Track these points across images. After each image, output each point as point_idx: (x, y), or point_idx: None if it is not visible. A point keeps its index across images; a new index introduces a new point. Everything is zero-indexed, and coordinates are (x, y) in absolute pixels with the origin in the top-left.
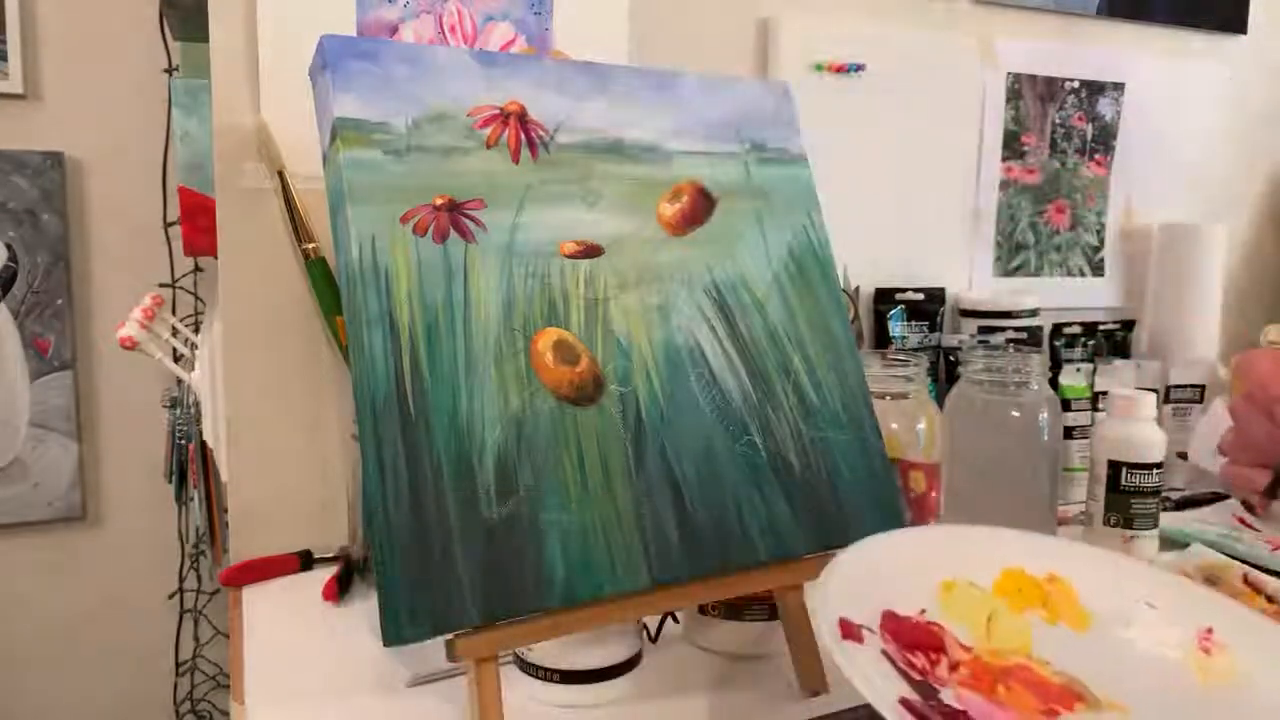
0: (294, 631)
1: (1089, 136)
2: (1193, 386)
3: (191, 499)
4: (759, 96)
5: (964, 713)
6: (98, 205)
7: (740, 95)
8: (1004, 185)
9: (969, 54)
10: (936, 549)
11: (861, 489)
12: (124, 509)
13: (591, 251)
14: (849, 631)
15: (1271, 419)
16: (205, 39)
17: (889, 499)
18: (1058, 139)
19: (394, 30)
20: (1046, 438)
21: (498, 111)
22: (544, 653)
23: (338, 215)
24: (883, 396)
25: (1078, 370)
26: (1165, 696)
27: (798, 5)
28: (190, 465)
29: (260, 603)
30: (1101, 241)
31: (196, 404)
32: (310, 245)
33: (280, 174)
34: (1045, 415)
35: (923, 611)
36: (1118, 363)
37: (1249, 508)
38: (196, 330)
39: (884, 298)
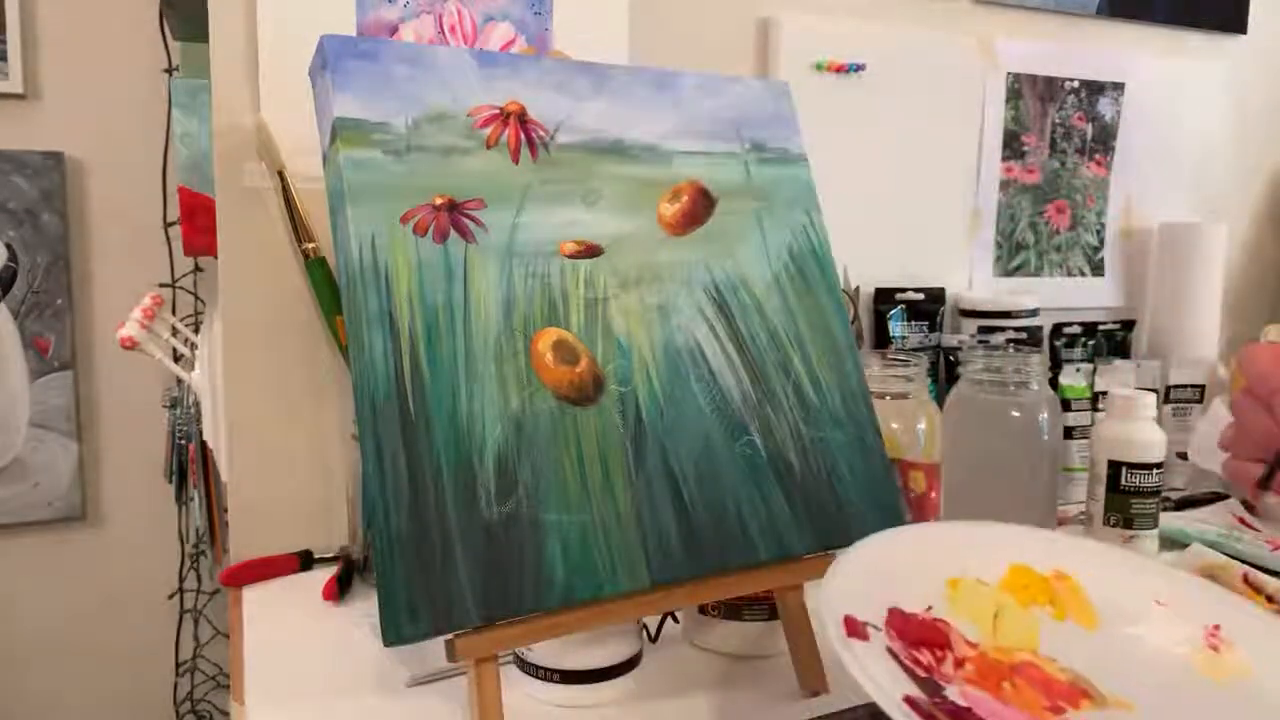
0: (294, 631)
1: (1089, 136)
2: (1193, 386)
3: (191, 499)
4: (759, 96)
5: (969, 709)
6: (98, 205)
7: (740, 95)
8: (1004, 185)
9: (969, 54)
10: (943, 546)
11: (861, 489)
12: (124, 509)
13: (591, 251)
14: (854, 629)
15: (1270, 412)
16: (205, 39)
17: (889, 499)
18: (1058, 139)
19: (394, 30)
20: (1046, 438)
21: (498, 111)
22: (544, 653)
23: (338, 215)
24: (883, 396)
25: (1078, 370)
26: (1173, 694)
27: (798, 5)
28: (190, 465)
29: (260, 603)
30: (1101, 241)
31: (196, 404)
32: (310, 245)
33: (280, 174)
34: (1045, 415)
35: (929, 608)
36: (1118, 363)
37: (1249, 507)
38: (196, 330)
39: (884, 298)
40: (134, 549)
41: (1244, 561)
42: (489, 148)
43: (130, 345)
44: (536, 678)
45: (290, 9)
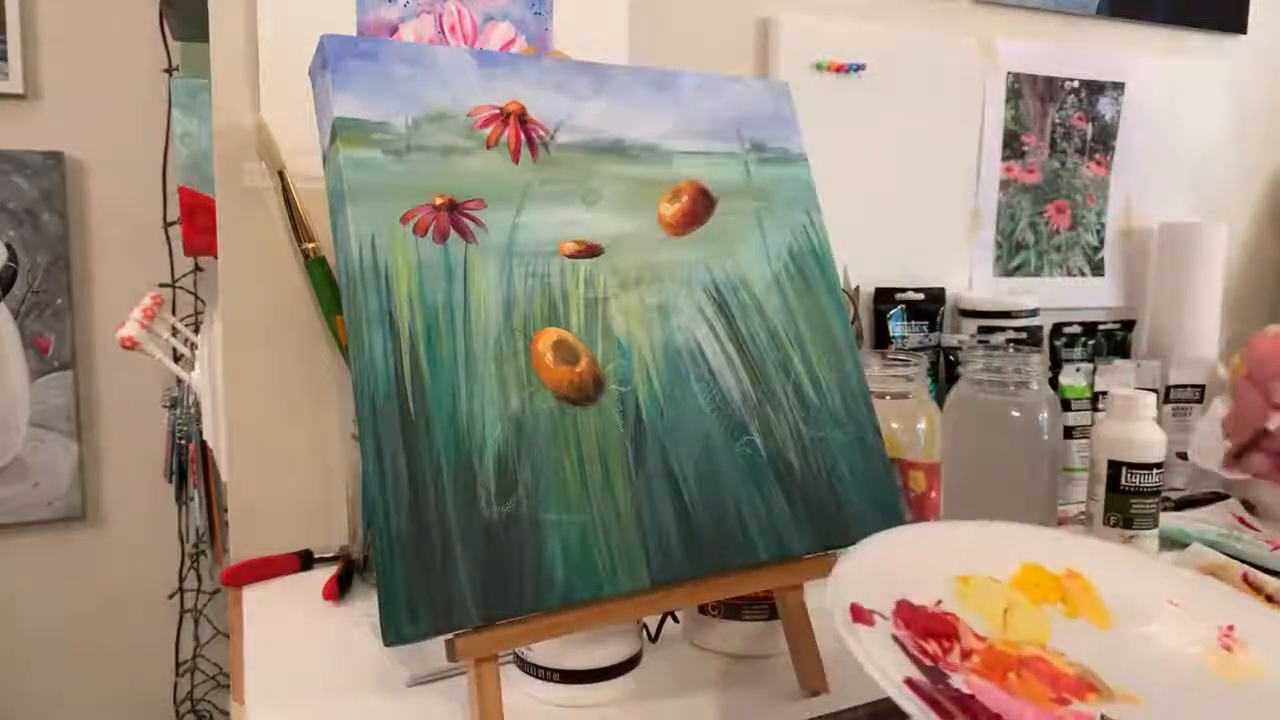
0: (294, 631)
1: (1089, 136)
2: (1193, 386)
3: (191, 499)
4: (759, 96)
5: (972, 697)
6: (98, 205)
7: (740, 95)
8: (1004, 185)
9: (969, 54)
10: (954, 544)
11: (861, 489)
12: (124, 509)
13: (591, 251)
14: (859, 615)
15: (1265, 395)
16: (205, 39)
17: (889, 499)
18: (1058, 139)
19: (394, 30)
20: (1046, 438)
21: (498, 111)
22: (544, 652)
23: (338, 215)
24: (883, 396)
25: (1078, 370)
26: (1185, 693)
27: (798, 5)
28: (190, 465)
29: (260, 603)
30: (1101, 241)
31: (196, 404)
32: (310, 245)
33: (280, 174)
34: (1045, 415)
35: (939, 602)
36: (1118, 363)
37: (1249, 507)
38: (196, 330)
39: (884, 298)
40: (134, 549)
41: (1244, 561)
42: (489, 148)
43: (130, 345)
44: (536, 678)
45: (290, 9)
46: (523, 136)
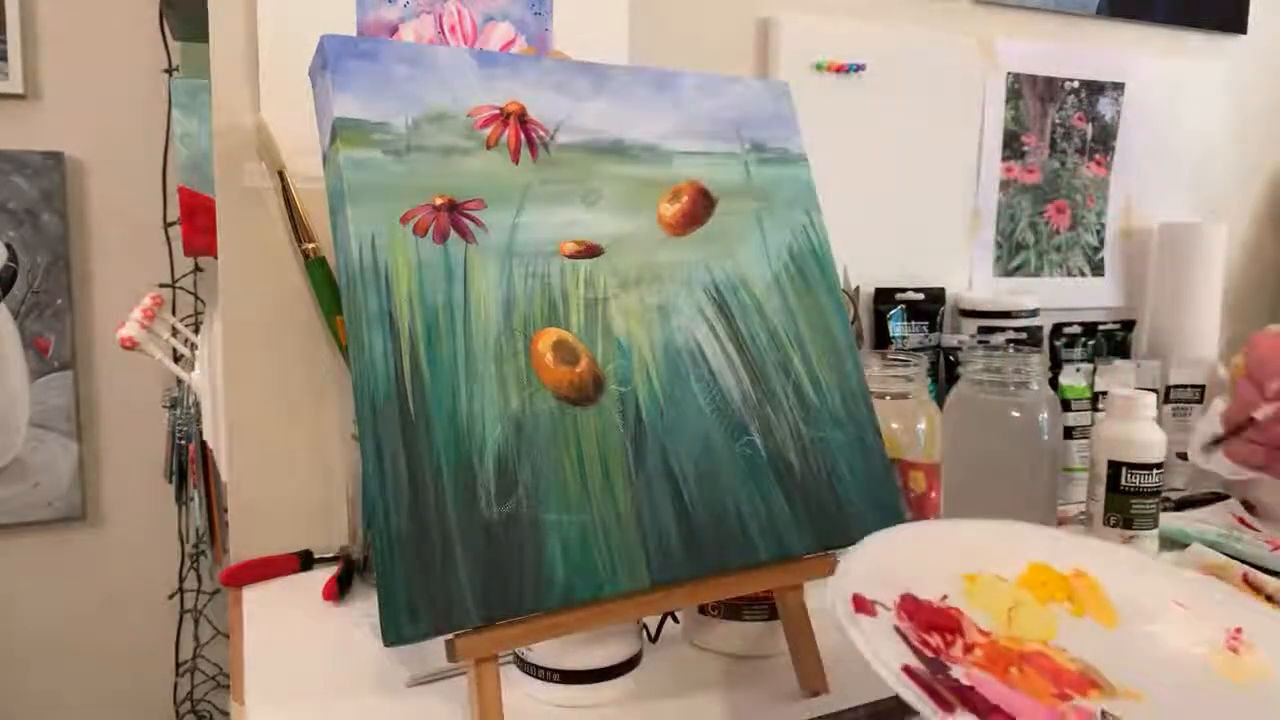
0: (294, 631)
1: (1089, 136)
2: (1193, 386)
3: (191, 499)
4: (759, 96)
5: (971, 688)
6: (98, 205)
7: (740, 95)
8: (1004, 185)
9: (969, 54)
10: (956, 542)
11: (861, 489)
12: (124, 509)
13: (591, 251)
14: (862, 605)
15: (1261, 391)
16: (205, 39)
17: (889, 499)
18: (1058, 139)
19: (394, 30)
20: (1046, 438)
21: (498, 111)
22: (544, 652)
23: (338, 215)
24: (883, 396)
25: (1078, 370)
26: (1191, 693)
27: (798, 5)
28: (190, 465)
29: (260, 603)
30: (1101, 241)
31: (196, 404)
32: (310, 245)
33: (280, 174)
34: (1045, 415)
35: (944, 598)
36: (1118, 363)
37: (1249, 507)
38: (196, 330)
39: (884, 298)
40: (134, 549)
41: (1244, 561)
42: (489, 148)
43: (130, 345)
44: (536, 678)
45: (290, 9)
46: (523, 137)
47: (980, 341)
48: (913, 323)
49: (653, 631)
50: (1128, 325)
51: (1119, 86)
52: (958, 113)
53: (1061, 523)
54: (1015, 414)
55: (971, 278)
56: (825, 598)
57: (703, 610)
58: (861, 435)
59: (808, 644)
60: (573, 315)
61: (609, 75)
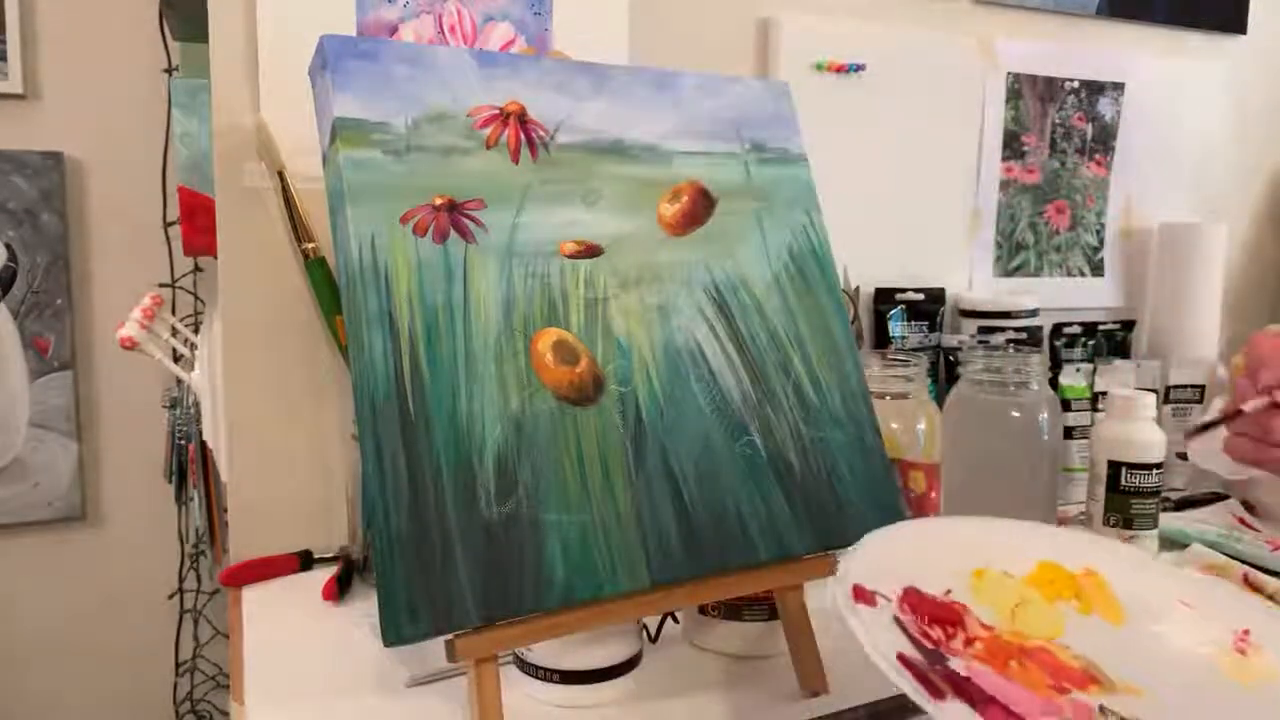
0: (294, 631)
1: (1089, 136)
2: (1193, 387)
3: (191, 499)
4: (759, 96)
5: (968, 679)
6: (98, 205)
7: (740, 95)
8: (1004, 185)
9: (969, 54)
10: (956, 539)
11: (861, 489)
12: (124, 509)
13: (591, 251)
14: (861, 595)
15: (1255, 385)
16: (205, 39)
17: (889, 499)
18: (1058, 139)
19: (394, 30)
20: (1046, 438)
21: (498, 111)
22: (544, 653)
23: (338, 215)
24: (883, 396)
25: (1078, 370)
26: (1197, 693)
27: (798, 5)
28: (190, 465)
29: (260, 603)
30: (1101, 241)
31: (196, 404)
32: (310, 245)
33: (280, 174)
34: (1045, 415)
35: (948, 592)
36: (1118, 363)
37: (1249, 507)
38: (196, 330)
39: (884, 298)
40: (134, 549)
41: (1244, 561)
42: (489, 148)
43: (130, 345)
44: (536, 678)
45: (290, 9)
46: (523, 137)
47: (980, 341)
48: (913, 323)
49: (653, 632)
50: (1128, 325)
51: (1119, 86)
52: (958, 113)
53: (1061, 523)
54: (1015, 414)
55: (971, 278)
56: (825, 597)
57: (703, 610)
58: (861, 435)
59: (808, 644)
60: (573, 315)
61: (609, 75)
